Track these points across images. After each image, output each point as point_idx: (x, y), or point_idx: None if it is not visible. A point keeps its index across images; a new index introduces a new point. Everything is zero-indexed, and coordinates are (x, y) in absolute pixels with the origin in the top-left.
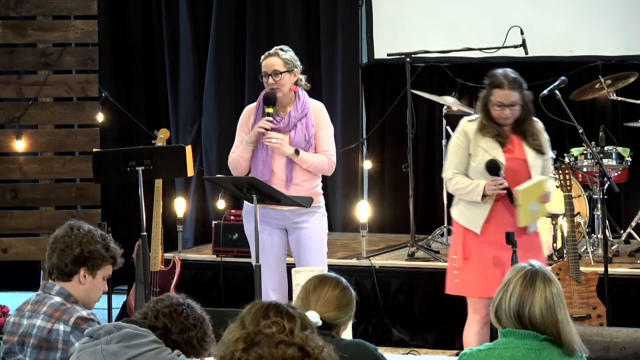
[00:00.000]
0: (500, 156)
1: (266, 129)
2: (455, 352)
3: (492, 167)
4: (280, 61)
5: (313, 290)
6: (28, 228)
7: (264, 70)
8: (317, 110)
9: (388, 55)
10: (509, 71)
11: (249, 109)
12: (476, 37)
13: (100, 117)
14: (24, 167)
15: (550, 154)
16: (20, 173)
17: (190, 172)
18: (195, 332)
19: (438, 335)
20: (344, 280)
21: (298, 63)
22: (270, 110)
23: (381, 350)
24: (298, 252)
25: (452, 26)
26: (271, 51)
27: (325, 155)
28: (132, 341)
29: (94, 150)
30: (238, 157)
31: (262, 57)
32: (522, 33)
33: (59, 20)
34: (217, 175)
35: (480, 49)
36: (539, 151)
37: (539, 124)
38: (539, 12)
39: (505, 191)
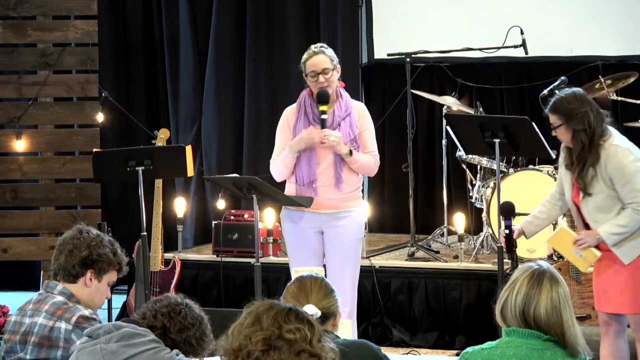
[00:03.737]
0: (568, 188)
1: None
2: (456, 352)
3: (503, 211)
4: (327, 58)
5: (299, 290)
6: (28, 228)
7: (312, 70)
8: (360, 110)
9: (388, 55)
10: (564, 91)
11: (290, 110)
12: (476, 37)
13: (100, 117)
14: (24, 167)
15: (627, 182)
16: (20, 173)
17: (190, 172)
18: (194, 331)
19: (438, 335)
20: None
21: (338, 61)
22: (324, 107)
23: (381, 350)
24: (328, 255)
25: (452, 26)
26: (315, 49)
27: (372, 156)
28: (131, 340)
29: (94, 150)
30: (281, 166)
31: (306, 56)
32: (522, 33)
33: (59, 20)
34: (217, 175)
35: (480, 49)
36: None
37: (610, 150)
38: (539, 12)
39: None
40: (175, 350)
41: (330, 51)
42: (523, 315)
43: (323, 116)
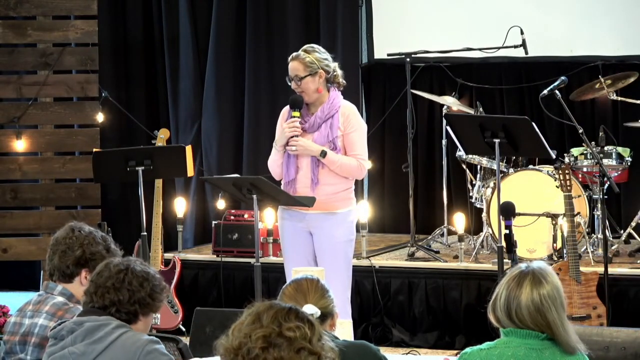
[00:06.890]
0: None
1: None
2: (455, 352)
3: (503, 211)
4: (301, 65)
5: (296, 291)
6: (28, 228)
7: (289, 74)
8: (346, 112)
9: (388, 55)
10: None
11: (285, 110)
12: (476, 37)
13: (100, 117)
14: (24, 167)
15: None
16: (20, 173)
17: (190, 172)
18: (144, 290)
19: (438, 335)
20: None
21: (326, 62)
22: (296, 113)
23: (381, 350)
24: (317, 256)
25: (452, 26)
26: (294, 54)
27: (355, 159)
28: (96, 335)
29: (94, 150)
30: (272, 162)
31: (289, 58)
32: (522, 33)
33: (59, 20)
34: (215, 176)
35: (480, 49)
36: None
37: None
38: (539, 12)
39: None
40: (145, 338)
41: (312, 56)
42: (509, 317)
43: (293, 120)
